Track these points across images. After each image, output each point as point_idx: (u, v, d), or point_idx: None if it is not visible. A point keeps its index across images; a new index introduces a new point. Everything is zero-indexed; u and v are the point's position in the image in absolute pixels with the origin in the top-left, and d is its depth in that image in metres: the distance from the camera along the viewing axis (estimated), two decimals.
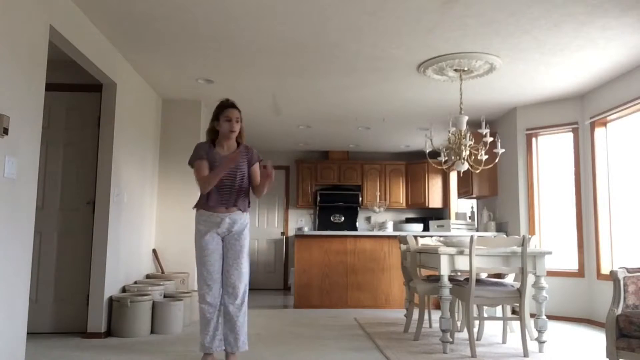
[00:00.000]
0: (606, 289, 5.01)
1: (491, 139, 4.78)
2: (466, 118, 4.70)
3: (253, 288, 8.81)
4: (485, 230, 6.62)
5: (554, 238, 5.85)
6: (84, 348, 3.82)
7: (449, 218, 8.43)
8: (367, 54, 4.44)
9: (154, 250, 5.64)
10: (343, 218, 8.82)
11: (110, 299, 4.36)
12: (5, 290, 2.84)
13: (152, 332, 4.44)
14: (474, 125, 5.77)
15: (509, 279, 4.46)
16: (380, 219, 9.16)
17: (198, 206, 3.28)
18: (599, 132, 5.36)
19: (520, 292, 3.69)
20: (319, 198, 8.75)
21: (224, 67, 4.81)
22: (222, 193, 3.25)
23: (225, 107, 3.33)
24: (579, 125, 5.64)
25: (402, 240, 4.70)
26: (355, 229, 8.77)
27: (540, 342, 3.76)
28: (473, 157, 4.78)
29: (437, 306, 5.99)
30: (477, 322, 4.38)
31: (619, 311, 2.93)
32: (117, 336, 4.28)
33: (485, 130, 4.73)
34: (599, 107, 5.28)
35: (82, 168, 4.50)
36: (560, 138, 5.90)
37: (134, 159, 4.96)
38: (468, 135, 4.69)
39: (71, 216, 4.45)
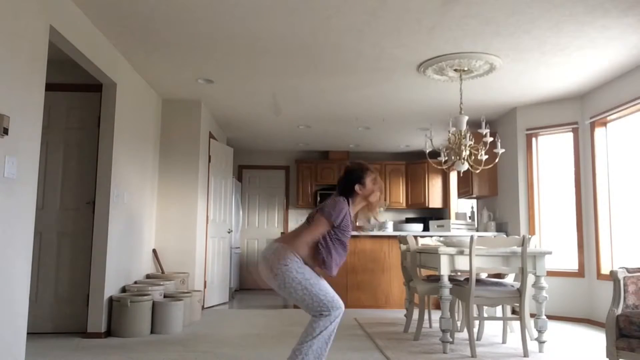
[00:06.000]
0: (606, 289, 5.01)
1: (491, 139, 4.78)
2: (466, 118, 4.70)
3: (253, 288, 8.80)
4: (485, 230, 6.62)
5: (554, 238, 5.85)
6: (84, 348, 3.82)
7: (449, 218, 8.43)
8: (367, 54, 4.44)
9: (154, 250, 5.64)
10: None
11: (110, 299, 4.36)
12: (5, 290, 2.84)
13: (152, 332, 4.44)
14: (474, 125, 5.77)
15: (509, 279, 4.46)
16: (380, 219, 9.15)
17: (305, 255, 2.63)
18: (599, 132, 5.36)
19: (520, 292, 3.69)
20: (319, 198, 8.74)
21: (224, 67, 4.81)
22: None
23: (371, 171, 2.76)
24: (579, 125, 5.64)
25: (402, 240, 4.70)
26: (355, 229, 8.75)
27: (540, 342, 3.76)
28: (473, 157, 4.78)
29: (437, 306, 5.99)
30: (477, 322, 4.38)
31: (619, 311, 2.93)
32: (117, 336, 4.28)
33: (485, 130, 4.73)
34: (599, 107, 5.28)
35: (82, 168, 4.50)
36: (560, 138, 5.90)
37: (134, 159, 4.96)
38: (468, 135, 4.69)
39: (71, 216, 4.45)
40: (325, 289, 2.59)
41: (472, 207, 7.71)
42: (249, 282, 8.87)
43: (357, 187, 2.71)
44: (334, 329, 2.57)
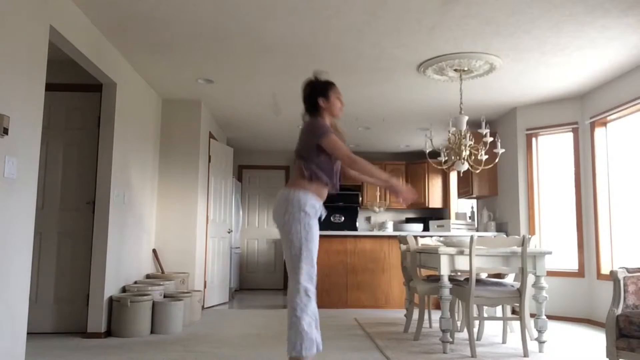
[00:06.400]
0: (606, 289, 5.01)
1: (491, 139, 4.78)
2: (466, 118, 4.70)
3: (253, 288, 8.81)
4: (485, 230, 6.62)
5: (554, 238, 5.85)
6: (84, 348, 3.82)
7: (449, 218, 8.43)
8: (367, 54, 4.44)
9: (154, 250, 5.64)
10: (343, 218, 8.82)
11: (110, 299, 4.36)
12: (5, 290, 2.84)
13: (152, 332, 4.44)
14: (474, 125, 5.77)
15: (509, 279, 4.46)
16: (380, 219, 9.16)
17: (310, 187, 2.68)
18: (599, 132, 5.36)
19: (520, 292, 3.69)
20: None
21: (224, 67, 4.81)
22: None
23: (334, 84, 2.89)
24: (579, 125, 5.64)
25: (402, 240, 4.70)
26: (355, 229, 8.77)
27: (540, 342, 3.76)
28: (473, 157, 4.78)
29: (437, 306, 5.99)
30: (477, 322, 4.38)
31: (619, 311, 2.93)
32: (117, 336, 4.28)
33: (485, 130, 4.73)
34: (599, 107, 5.28)
35: (82, 168, 4.50)
36: (560, 138, 5.90)
37: (134, 159, 4.96)
38: (468, 135, 4.69)
39: (71, 216, 4.45)
40: (311, 260, 2.64)
41: (472, 207, 7.72)
42: (249, 282, 8.88)
43: (320, 100, 2.79)
44: (311, 310, 2.59)
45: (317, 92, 2.83)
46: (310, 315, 2.58)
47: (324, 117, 2.82)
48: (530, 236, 4.27)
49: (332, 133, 2.70)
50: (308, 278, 2.61)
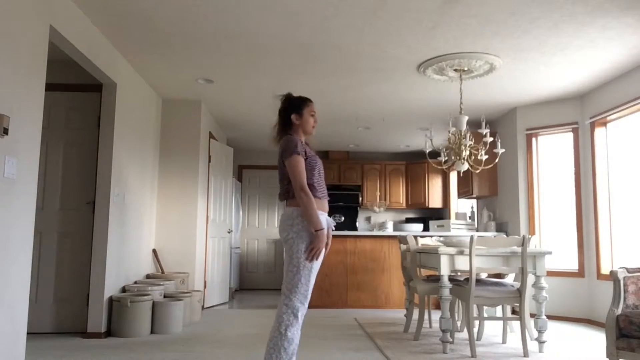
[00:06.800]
0: (606, 289, 5.01)
1: (491, 139, 4.78)
2: (466, 118, 4.70)
3: (253, 288, 8.81)
4: (485, 230, 6.62)
5: (554, 238, 5.85)
6: (84, 348, 3.82)
7: (449, 218, 8.43)
8: (367, 54, 4.44)
9: (154, 250, 5.64)
10: (343, 218, 8.82)
11: (110, 299, 4.36)
12: (5, 290, 2.84)
13: (152, 332, 4.44)
14: (474, 125, 5.78)
15: (509, 279, 4.46)
16: (380, 219, 9.16)
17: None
18: (599, 132, 5.36)
19: (520, 292, 3.69)
20: None
21: (224, 67, 4.81)
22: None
23: (309, 101, 2.89)
24: (579, 125, 5.64)
25: (402, 240, 4.70)
26: (355, 229, 8.77)
27: (540, 342, 3.76)
28: (473, 157, 4.78)
29: (437, 306, 6.00)
30: (477, 322, 4.38)
31: (619, 311, 2.93)
32: (117, 336, 4.28)
33: (485, 130, 4.73)
34: (599, 107, 5.28)
35: (82, 168, 4.50)
36: (560, 138, 5.90)
37: (134, 159, 4.96)
38: (468, 135, 4.69)
39: (71, 216, 4.45)
40: (308, 281, 2.62)
41: (472, 207, 7.72)
42: (249, 282, 8.88)
43: (293, 116, 2.81)
44: (296, 331, 2.59)
45: (291, 108, 2.84)
46: (293, 334, 2.59)
47: (298, 133, 2.82)
48: (530, 236, 4.27)
49: (301, 155, 2.66)
50: (302, 297, 2.59)
